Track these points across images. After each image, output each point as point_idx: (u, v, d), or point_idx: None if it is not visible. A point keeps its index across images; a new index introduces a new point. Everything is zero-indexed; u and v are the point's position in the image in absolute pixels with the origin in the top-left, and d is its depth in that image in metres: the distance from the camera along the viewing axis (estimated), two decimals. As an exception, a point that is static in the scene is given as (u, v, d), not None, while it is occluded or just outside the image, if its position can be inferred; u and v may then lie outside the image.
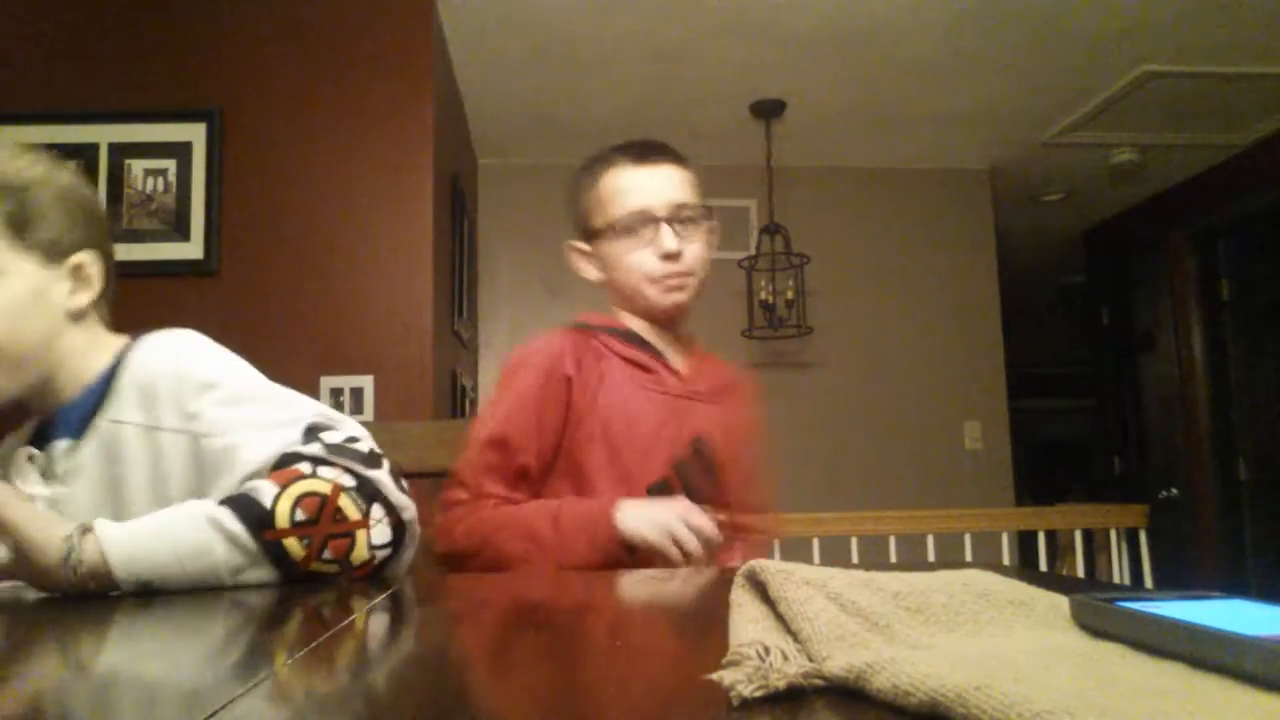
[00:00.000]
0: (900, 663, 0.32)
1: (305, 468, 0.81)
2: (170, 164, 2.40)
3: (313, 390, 2.35)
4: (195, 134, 2.42)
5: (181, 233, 2.39)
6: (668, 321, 1.25)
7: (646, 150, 1.23)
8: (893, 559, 3.14)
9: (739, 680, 0.33)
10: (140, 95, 2.44)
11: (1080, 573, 3.23)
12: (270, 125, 2.47)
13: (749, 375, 1.38)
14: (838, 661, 0.34)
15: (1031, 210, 4.79)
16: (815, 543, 3.07)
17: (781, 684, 0.33)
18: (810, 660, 0.36)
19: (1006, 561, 3.38)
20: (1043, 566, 3.24)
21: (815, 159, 4.11)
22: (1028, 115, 3.67)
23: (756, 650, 0.36)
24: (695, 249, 1.22)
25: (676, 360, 1.25)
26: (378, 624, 0.61)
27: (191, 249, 2.39)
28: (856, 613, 0.40)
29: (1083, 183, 4.46)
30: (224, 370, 0.97)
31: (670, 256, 1.18)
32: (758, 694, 0.33)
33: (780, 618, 0.41)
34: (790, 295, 3.65)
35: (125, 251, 2.37)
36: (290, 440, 0.86)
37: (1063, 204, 4.75)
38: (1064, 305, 6.52)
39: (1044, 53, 3.14)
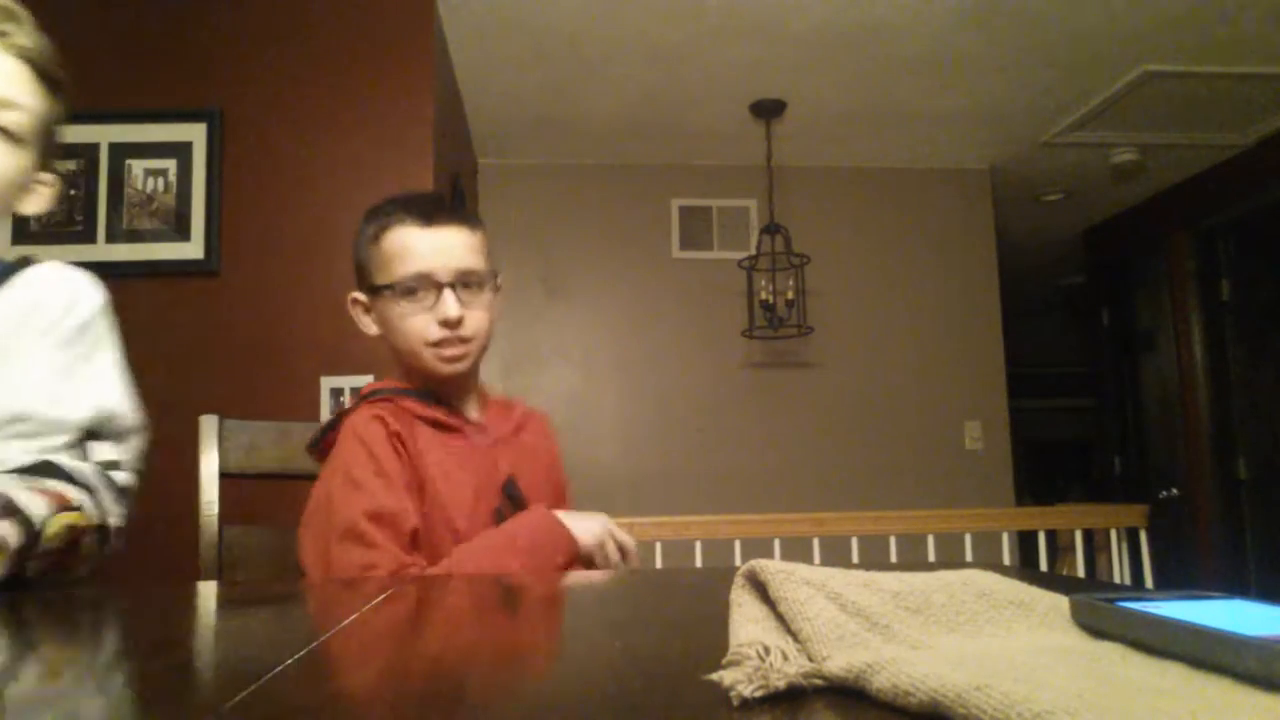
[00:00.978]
0: (900, 663, 0.32)
1: (73, 496, 0.84)
2: (170, 164, 2.41)
3: (313, 390, 2.35)
4: (195, 134, 2.42)
5: (181, 233, 2.39)
6: (453, 381, 1.21)
7: (433, 211, 1.18)
8: (893, 559, 3.14)
9: (739, 680, 0.33)
10: (140, 95, 2.44)
11: (1080, 573, 3.23)
12: (270, 125, 2.47)
13: (540, 410, 1.34)
14: (838, 661, 0.34)
15: (1031, 210, 4.79)
16: (815, 543, 3.07)
17: (781, 684, 0.33)
18: (810, 660, 0.36)
19: (1006, 561, 3.38)
20: (1043, 566, 3.24)
21: (815, 159, 4.11)
22: (1028, 115, 3.67)
23: (756, 650, 0.36)
24: (477, 315, 1.18)
25: (472, 411, 1.23)
26: (377, 624, 0.61)
27: (191, 249, 2.39)
28: (856, 613, 0.40)
29: (1083, 183, 4.45)
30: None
31: (450, 324, 1.14)
32: (758, 694, 0.33)
33: (780, 618, 0.41)
34: (790, 295, 3.65)
35: (125, 252, 2.38)
36: (56, 445, 0.88)
37: (1063, 204, 4.75)
38: (1064, 305, 6.53)
39: (1044, 53, 3.14)
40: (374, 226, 1.20)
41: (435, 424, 1.16)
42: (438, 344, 1.15)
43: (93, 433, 0.94)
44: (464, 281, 1.16)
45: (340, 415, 1.18)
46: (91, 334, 1.00)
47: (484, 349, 1.22)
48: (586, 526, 1.13)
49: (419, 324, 1.16)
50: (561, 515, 1.13)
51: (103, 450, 0.93)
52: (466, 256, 1.18)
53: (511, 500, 1.18)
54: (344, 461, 1.10)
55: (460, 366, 1.18)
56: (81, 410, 0.93)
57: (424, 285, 1.14)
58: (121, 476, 0.93)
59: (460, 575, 1.02)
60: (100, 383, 0.98)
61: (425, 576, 1.02)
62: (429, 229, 1.17)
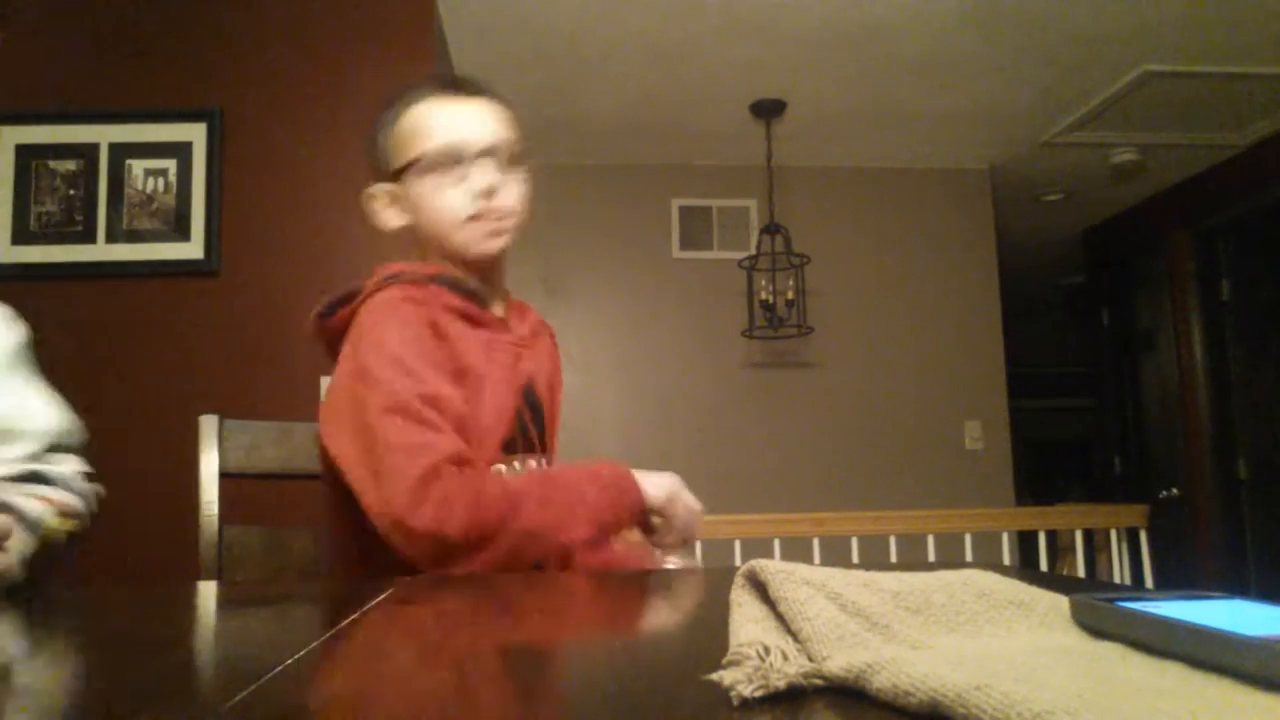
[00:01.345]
0: (900, 663, 0.32)
1: (73, 503, 0.92)
2: (170, 164, 2.40)
3: (313, 390, 2.35)
4: (195, 134, 2.42)
5: (181, 233, 2.39)
6: (485, 268, 1.11)
7: (461, 83, 1.09)
8: (893, 559, 3.14)
9: (739, 680, 0.33)
10: (140, 95, 2.44)
11: (1080, 573, 3.23)
12: (270, 125, 2.47)
13: (548, 322, 1.23)
14: (838, 661, 0.34)
15: (1031, 210, 4.79)
16: (815, 543, 3.07)
17: (781, 684, 0.33)
18: (810, 660, 0.36)
19: (1006, 561, 3.38)
20: (1043, 566, 3.24)
21: (815, 159, 4.11)
22: (1028, 115, 3.67)
23: (756, 650, 0.36)
24: (513, 190, 1.08)
25: (498, 307, 1.12)
26: (377, 624, 0.61)
27: (191, 249, 2.39)
28: (856, 613, 0.40)
29: (1083, 183, 4.46)
30: None
31: (488, 194, 1.04)
32: (758, 694, 0.33)
33: (780, 618, 0.41)
34: (790, 295, 3.65)
35: (125, 251, 2.38)
36: (25, 454, 0.93)
37: (1063, 204, 4.75)
38: (1064, 305, 6.53)
39: (1044, 53, 3.14)
40: (395, 108, 1.09)
41: (464, 316, 1.05)
42: (474, 218, 1.05)
43: (55, 445, 0.97)
44: (498, 152, 1.07)
45: (357, 294, 1.06)
46: (27, 360, 1.04)
47: (518, 230, 1.11)
48: (657, 483, 1.01)
49: (452, 198, 1.05)
50: (636, 472, 1.00)
51: (68, 461, 0.97)
52: (499, 127, 1.08)
53: (530, 406, 1.09)
54: (381, 341, 0.97)
55: (499, 243, 1.08)
56: (48, 422, 0.96)
57: (455, 157, 1.04)
58: (93, 486, 0.96)
59: (451, 575, 0.89)
60: (51, 400, 1.03)
61: (483, 479, 0.91)
62: (457, 99, 1.08)
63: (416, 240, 1.12)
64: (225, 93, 2.46)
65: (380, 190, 1.11)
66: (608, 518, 0.96)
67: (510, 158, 1.08)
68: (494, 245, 1.08)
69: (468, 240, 1.06)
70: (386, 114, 1.11)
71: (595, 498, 0.95)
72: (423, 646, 0.55)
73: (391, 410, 0.91)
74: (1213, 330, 4.27)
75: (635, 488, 0.99)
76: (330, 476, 0.99)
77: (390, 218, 1.11)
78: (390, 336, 0.96)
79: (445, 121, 1.07)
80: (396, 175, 1.08)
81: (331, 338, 1.06)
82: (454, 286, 1.06)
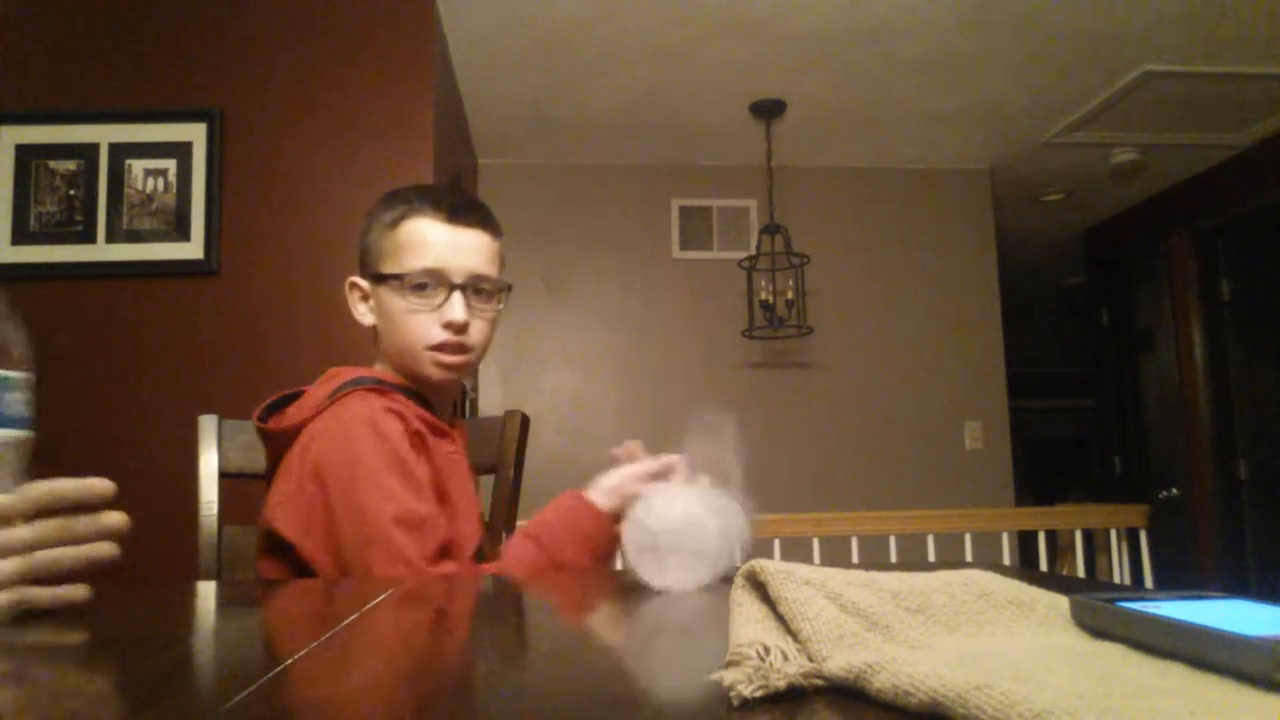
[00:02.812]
0: (900, 663, 0.32)
1: None
2: (170, 164, 2.41)
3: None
4: (195, 134, 2.42)
5: (181, 233, 2.39)
6: (436, 392, 1.15)
7: (459, 208, 1.12)
8: (893, 559, 3.14)
9: (739, 680, 0.33)
10: (140, 95, 2.44)
11: (1080, 573, 3.23)
12: (270, 125, 2.47)
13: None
14: (838, 661, 0.34)
15: (1031, 210, 4.79)
16: (815, 543, 3.07)
17: (781, 684, 0.33)
18: (810, 660, 0.36)
19: (1006, 561, 3.38)
20: (1043, 566, 3.24)
21: (815, 159, 4.11)
22: (1028, 115, 3.67)
23: (756, 650, 0.36)
24: (482, 326, 1.12)
25: (443, 419, 1.16)
26: (377, 624, 0.61)
27: (191, 249, 2.39)
28: (856, 613, 0.40)
29: (1083, 183, 4.46)
30: None
31: (455, 327, 1.08)
32: (758, 694, 0.33)
33: (780, 618, 0.41)
34: (790, 295, 3.65)
35: (125, 251, 2.38)
36: None
37: (1063, 204, 4.75)
38: (1064, 305, 6.53)
39: (1044, 53, 3.14)
40: (392, 213, 1.12)
41: (433, 429, 1.09)
42: (438, 347, 1.09)
43: None
44: (476, 287, 1.10)
45: (298, 396, 1.10)
46: None
47: (478, 362, 1.16)
48: (600, 490, 1.03)
49: (422, 323, 1.09)
50: (589, 490, 1.03)
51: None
52: (484, 262, 1.11)
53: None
54: (378, 450, 0.99)
55: (455, 375, 1.12)
56: None
57: (435, 282, 1.08)
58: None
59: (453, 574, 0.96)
60: None
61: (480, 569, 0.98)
62: (451, 226, 1.10)
63: (375, 340, 1.17)
64: (225, 93, 2.46)
65: (360, 283, 1.16)
66: (573, 553, 0.99)
67: (488, 291, 1.13)
68: (450, 377, 1.12)
69: (427, 366, 1.10)
70: (383, 213, 1.14)
71: (559, 538, 1.00)
72: (422, 646, 0.55)
73: (402, 522, 0.96)
74: (1213, 330, 4.26)
75: (594, 513, 1.01)
76: (276, 559, 1.02)
77: (363, 313, 1.17)
78: (384, 446, 1.00)
79: (434, 246, 1.10)
80: (377, 280, 1.12)
81: (279, 437, 1.07)
82: (422, 401, 1.11)
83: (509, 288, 1.16)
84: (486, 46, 3.03)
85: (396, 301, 1.10)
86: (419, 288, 1.08)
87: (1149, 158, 4.07)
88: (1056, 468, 6.68)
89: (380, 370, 1.15)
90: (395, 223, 1.12)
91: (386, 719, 0.37)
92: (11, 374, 0.65)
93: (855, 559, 3.14)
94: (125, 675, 0.48)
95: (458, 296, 1.09)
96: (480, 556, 1.10)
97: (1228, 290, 4.23)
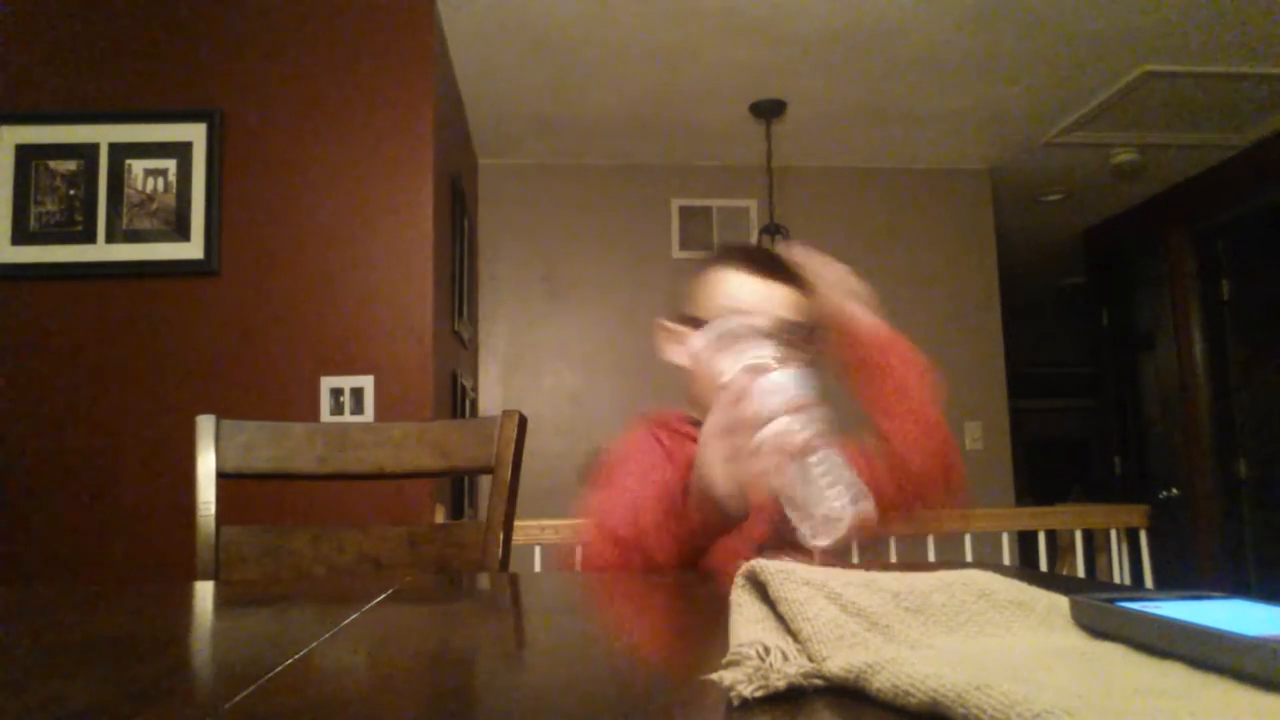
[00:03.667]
0: (900, 663, 0.32)
1: None
2: (170, 164, 2.40)
3: (313, 390, 2.35)
4: (195, 134, 2.42)
5: (181, 233, 2.39)
6: None
7: (772, 263, 1.16)
8: (893, 559, 3.14)
9: (739, 680, 0.33)
10: (140, 95, 2.44)
11: (1080, 573, 3.22)
12: (270, 125, 2.47)
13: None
14: (838, 661, 0.34)
15: (1031, 210, 4.79)
16: (815, 543, 3.07)
17: (781, 684, 0.33)
18: (810, 660, 0.36)
19: (1006, 561, 3.38)
20: (1043, 566, 3.23)
21: (815, 159, 4.11)
22: (1028, 115, 3.67)
23: (756, 650, 0.36)
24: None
25: None
26: (377, 624, 0.61)
27: (191, 249, 2.39)
28: (856, 613, 0.40)
29: (1083, 183, 4.45)
30: None
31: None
32: (758, 694, 0.33)
33: (780, 618, 0.41)
34: (790, 295, 3.65)
35: (125, 251, 2.38)
36: None
37: (1063, 204, 4.75)
38: (1064, 305, 6.53)
39: (1044, 53, 3.14)
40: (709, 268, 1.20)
41: None
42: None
43: None
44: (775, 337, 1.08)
45: None
46: None
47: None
48: (703, 460, 0.86)
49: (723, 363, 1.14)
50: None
51: None
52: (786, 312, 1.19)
53: None
54: None
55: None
56: None
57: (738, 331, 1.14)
58: None
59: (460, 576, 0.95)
60: None
61: None
62: (764, 278, 1.18)
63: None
64: (225, 93, 2.46)
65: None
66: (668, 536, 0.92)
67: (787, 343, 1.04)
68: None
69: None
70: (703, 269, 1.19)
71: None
72: (422, 647, 0.55)
73: None
74: (1213, 330, 4.26)
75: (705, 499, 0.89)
76: None
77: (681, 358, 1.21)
78: None
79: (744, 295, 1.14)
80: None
81: None
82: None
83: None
84: (486, 46, 3.03)
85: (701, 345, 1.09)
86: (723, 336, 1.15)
87: (1149, 158, 4.07)
88: (1056, 468, 6.68)
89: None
90: (709, 275, 1.22)
91: (387, 718, 0.37)
92: None
93: (855, 559, 3.13)
94: (125, 675, 0.48)
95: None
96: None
97: (1228, 290, 4.23)
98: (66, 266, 2.34)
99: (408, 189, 2.48)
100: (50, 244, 2.35)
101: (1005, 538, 3.38)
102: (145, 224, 2.39)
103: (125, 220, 2.38)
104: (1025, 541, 3.56)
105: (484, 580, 0.96)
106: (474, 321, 3.79)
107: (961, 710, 0.28)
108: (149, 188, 2.40)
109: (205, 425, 1.25)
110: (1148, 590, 0.45)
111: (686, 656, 0.47)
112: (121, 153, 2.40)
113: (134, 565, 2.26)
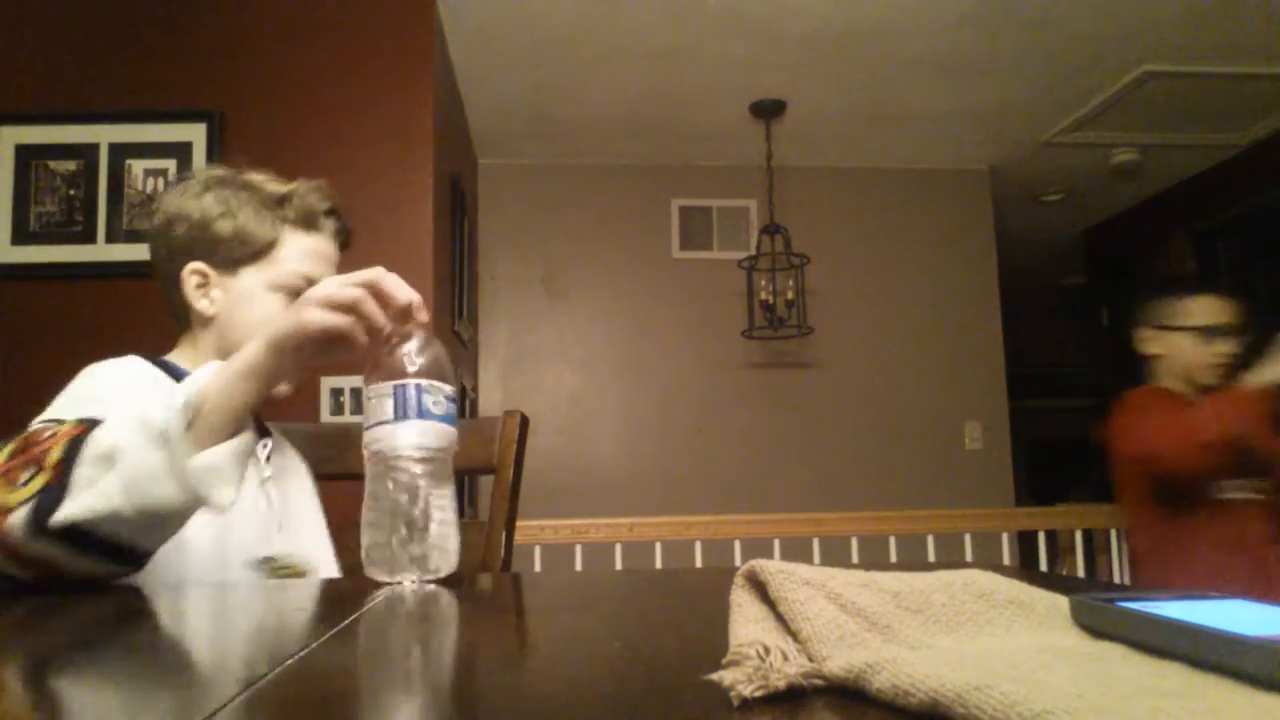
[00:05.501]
0: (900, 663, 0.32)
1: None
2: (170, 164, 2.41)
3: (312, 390, 2.35)
4: (195, 134, 2.42)
5: (181, 233, 2.39)
6: None
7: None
8: (893, 559, 3.14)
9: (739, 680, 0.33)
10: (140, 95, 2.45)
11: (1080, 573, 3.23)
12: (270, 125, 2.47)
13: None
14: (838, 661, 0.34)
15: (1031, 210, 4.79)
16: (815, 543, 3.07)
17: (781, 684, 0.33)
18: (810, 660, 0.36)
19: (1006, 561, 3.38)
20: (1043, 566, 3.24)
21: (815, 159, 4.11)
22: (1028, 115, 3.67)
23: (756, 650, 0.36)
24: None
25: None
26: (377, 623, 0.61)
27: (191, 249, 2.39)
28: (856, 613, 0.40)
29: (1083, 183, 4.46)
30: None
31: None
32: (758, 694, 0.33)
33: (780, 618, 0.41)
34: (790, 295, 3.65)
35: (125, 252, 2.38)
36: None
37: (1063, 204, 4.75)
38: (1064, 305, 6.53)
39: (1044, 53, 3.14)
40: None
41: None
42: None
43: None
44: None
45: None
46: None
47: None
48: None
49: None
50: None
51: None
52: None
53: None
54: None
55: None
56: None
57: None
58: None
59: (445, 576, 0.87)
60: None
61: None
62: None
63: None
64: (225, 93, 2.46)
65: None
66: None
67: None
68: None
69: None
70: None
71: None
72: (422, 646, 0.55)
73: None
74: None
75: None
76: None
77: None
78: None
79: None
80: None
81: None
82: None
83: None
84: (486, 46, 3.03)
85: None
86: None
87: (1149, 158, 4.07)
88: (1056, 468, 6.67)
89: None
90: None
91: (386, 718, 0.37)
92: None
93: (855, 559, 3.14)
94: (125, 675, 0.48)
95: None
96: None
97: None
98: (66, 266, 2.34)
99: (408, 189, 2.48)
100: (50, 244, 2.35)
101: (1005, 538, 3.38)
102: (145, 224, 2.39)
103: (125, 220, 2.38)
104: (1025, 541, 3.57)
105: (485, 580, 0.96)
106: (474, 321, 3.79)
107: (961, 710, 0.28)
108: (149, 188, 2.40)
109: (205, 425, 1.25)
110: (1148, 590, 0.45)
111: (686, 656, 0.47)
112: (121, 153, 2.40)
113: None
